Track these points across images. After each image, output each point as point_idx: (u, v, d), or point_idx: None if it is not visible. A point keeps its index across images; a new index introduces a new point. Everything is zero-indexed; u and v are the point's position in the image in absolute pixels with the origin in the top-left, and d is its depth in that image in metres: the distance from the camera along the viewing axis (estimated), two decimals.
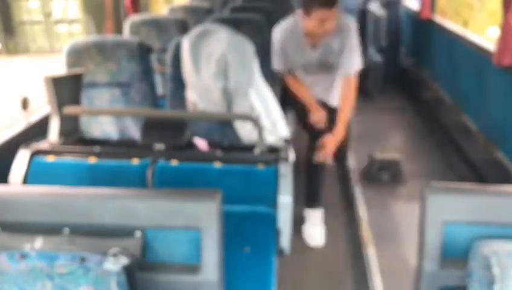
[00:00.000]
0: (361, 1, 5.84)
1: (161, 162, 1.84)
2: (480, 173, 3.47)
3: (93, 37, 2.34)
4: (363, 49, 5.23)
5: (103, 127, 2.31)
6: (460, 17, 6.63)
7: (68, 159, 1.88)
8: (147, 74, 2.30)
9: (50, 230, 1.03)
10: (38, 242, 1.02)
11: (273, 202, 1.75)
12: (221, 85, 2.15)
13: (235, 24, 2.43)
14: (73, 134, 2.13)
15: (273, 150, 1.96)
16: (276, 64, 2.82)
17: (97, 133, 2.30)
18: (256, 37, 2.45)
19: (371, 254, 2.67)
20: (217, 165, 1.84)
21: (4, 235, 1.03)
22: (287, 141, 2.19)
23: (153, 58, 2.85)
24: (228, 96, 2.17)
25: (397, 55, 6.14)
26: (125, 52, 2.25)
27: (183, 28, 3.24)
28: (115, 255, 0.96)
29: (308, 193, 2.91)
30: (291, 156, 1.93)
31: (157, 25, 3.27)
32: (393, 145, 4.34)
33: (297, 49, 2.77)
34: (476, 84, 3.83)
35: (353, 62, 2.70)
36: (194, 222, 1.03)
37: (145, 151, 1.90)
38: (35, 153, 1.87)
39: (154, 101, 2.34)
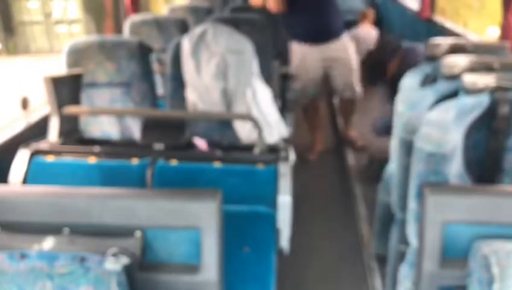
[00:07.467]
0: None
1: (161, 162, 1.84)
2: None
3: (93, 37, 2.33)
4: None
5: (103, 127, 2.30)
6: (460, 17, 6.63)
7: (68, 159, 1.88)
8: (147, 74, 2.30)
9: (50, 230, 1.03)
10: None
11: (272, 202, 1.75)
12: (221, 86, 2.15)
13: (235, 24, 2.43)
14: (73, 134, 2.13)
15: (272, 150, 1.95)
16: None
17: (97, 133, 2.30)
18: (256, 37, 2.45)
19: (371, 253, 2.66)
20: (217, 165, 1.84)
21: (4, 235, 1.03)
22: (287, 141, 2.18)
23: (153, 58, 2.84)
24: (228, 97, 2.17)
25: None
26: (125, 52, 2.24)
27: (183, 28, 3.23)
28: (114, 255, 0.96)
29: None
30: (291, 156, 1.93)
31: (157, 25, 3.26)
32: None
33: None
34: None
35: None
36: (194, 221, 1.03)
37: (145, 151, 1.90)
38: (35, 153, 1.86)
39: (154, 101, 2.34)
